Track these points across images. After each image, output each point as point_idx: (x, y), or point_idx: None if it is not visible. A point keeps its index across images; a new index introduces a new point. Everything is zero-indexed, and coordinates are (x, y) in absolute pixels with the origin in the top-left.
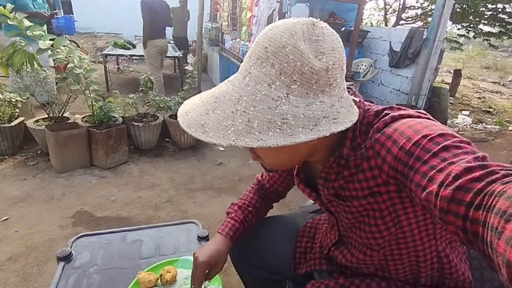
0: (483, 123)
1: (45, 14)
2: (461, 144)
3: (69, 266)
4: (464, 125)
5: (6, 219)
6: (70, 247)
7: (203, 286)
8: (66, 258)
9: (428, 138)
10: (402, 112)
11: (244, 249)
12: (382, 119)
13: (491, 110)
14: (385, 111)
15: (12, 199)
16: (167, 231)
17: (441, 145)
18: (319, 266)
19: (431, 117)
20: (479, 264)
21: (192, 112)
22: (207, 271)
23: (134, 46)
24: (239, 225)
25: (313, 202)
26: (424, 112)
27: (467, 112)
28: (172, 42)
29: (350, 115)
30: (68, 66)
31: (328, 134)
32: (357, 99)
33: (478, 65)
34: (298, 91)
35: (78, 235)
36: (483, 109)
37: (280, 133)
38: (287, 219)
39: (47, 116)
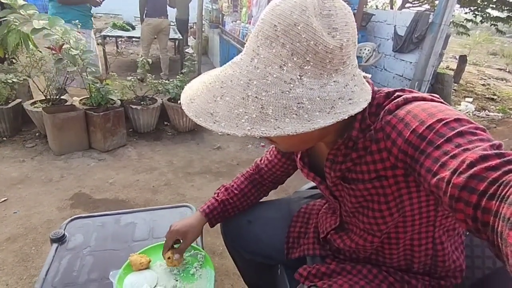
0: (486, 111)
1: (98, 0)
2: (477, 131)
3: (62, 248)
4: (467, 112)
5: (4, 200)
6: (64, 229)
7: (194, 268)
8: (60, 240)
9: (443, 122)
10: (415, 94)
11: (237, 233)
12: (394, 101)
13: (495, 97)
14: (397, 93)
15: (10, 181)
16: (161, 214)
17: (456, 131)
18: (312, 251)
19: (445, 102)
20: (470, 252)
21: (198, 99)
22: (180, 242)
23: (133, 28)
24: (218, 204)
25: (308, 188)
26: (438, 96)
27: (471, 99)
28: (174, 24)
29: (364, 93)
30: (63, 47)
31: (346, 117)
32: (368, 76)
33: (484, 51)
34: (312, 72)
35: (72, 217)
36: (487, 96)
37: (297, 119)
38: (281, 204)
39: (44, 98)
